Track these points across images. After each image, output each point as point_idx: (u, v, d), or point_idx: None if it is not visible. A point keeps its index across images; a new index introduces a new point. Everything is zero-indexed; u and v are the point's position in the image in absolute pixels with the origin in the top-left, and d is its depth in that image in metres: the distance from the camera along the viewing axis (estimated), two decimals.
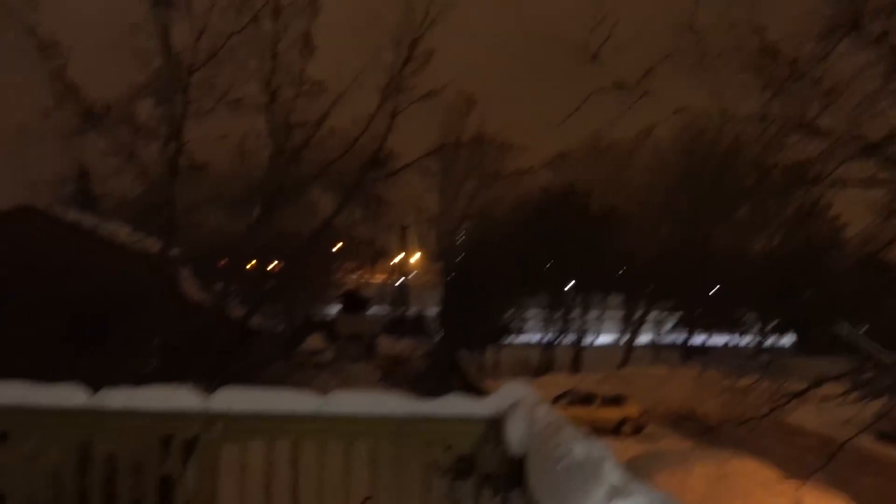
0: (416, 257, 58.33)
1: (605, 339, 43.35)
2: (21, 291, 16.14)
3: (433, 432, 4.06)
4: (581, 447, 2.50)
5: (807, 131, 9.10)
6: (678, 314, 40.96)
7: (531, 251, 32.90)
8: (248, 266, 20.79)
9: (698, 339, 41.38)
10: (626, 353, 36.47)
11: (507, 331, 37.27)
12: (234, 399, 3.99)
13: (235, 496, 3.93)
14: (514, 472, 4.07)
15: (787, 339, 41.88)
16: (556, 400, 21.77)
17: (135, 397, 3.97)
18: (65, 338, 15.88)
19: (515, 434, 3.43)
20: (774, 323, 40.53)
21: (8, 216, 21.30)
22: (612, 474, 2.22)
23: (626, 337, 38.95)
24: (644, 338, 40.02)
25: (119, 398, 3.97)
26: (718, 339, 41.69)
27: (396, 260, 51.78)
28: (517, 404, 3.62)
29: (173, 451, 4.43)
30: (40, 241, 16.84)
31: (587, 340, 38.61)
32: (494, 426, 3.83)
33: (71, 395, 3.99)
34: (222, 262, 20.24)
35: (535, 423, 3.27)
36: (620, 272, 35.34)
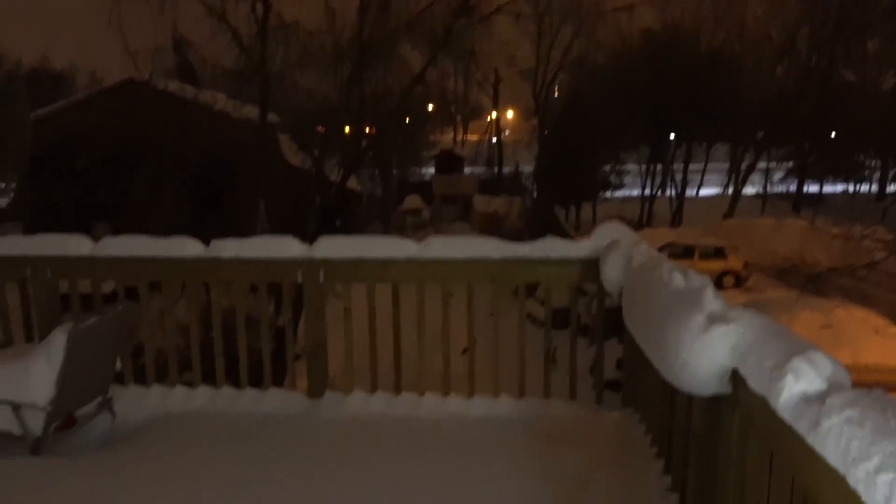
0: (510, 114, 57.08)
1: (709, 191, 41.75)
2: (141, 162, 17.17)
3: (530, 275, 4.09)
4: (679, 278, 2.44)
5: None
6: (789, 163, 38.60)
7: (632, 101, 31.30)
8: (345, 131, 20.98)
9: (811, 189, 39.13)
10: (731, 204, 35.05)
11: (605, 185, 36.50)
12: (335, 247, 4.13)
13: (341, 336, 4.17)
14: (609, 323, 4.09)
15: None
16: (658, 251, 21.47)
17: (243, 247, 4.19)
18: (186, 205, 16.95)
19: (612, 272, 3.39)
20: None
21: (117, 90, 22.28)
22: (713, 302, 2.16)
23: (732, 188, 37.28)
24: (751, 189, 38.21)
25: (229, 248, 4.20)
26: (834, 188, 39.26)
27: (490, 118, 50.86)
28: (614, 244, 3.55)
29: (283, 300, 4.73)
30: (149, 113, 17.59)
31: (690, 193, 37.28)
32: (591, 267, 3.81)
33: (188, 247, 4.26)
34: (319, 128, 20.52)
35: (631, 260, 3.20)
36: (727, 119, 33.13)
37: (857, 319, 12.48)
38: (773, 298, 15.05)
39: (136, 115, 17.70)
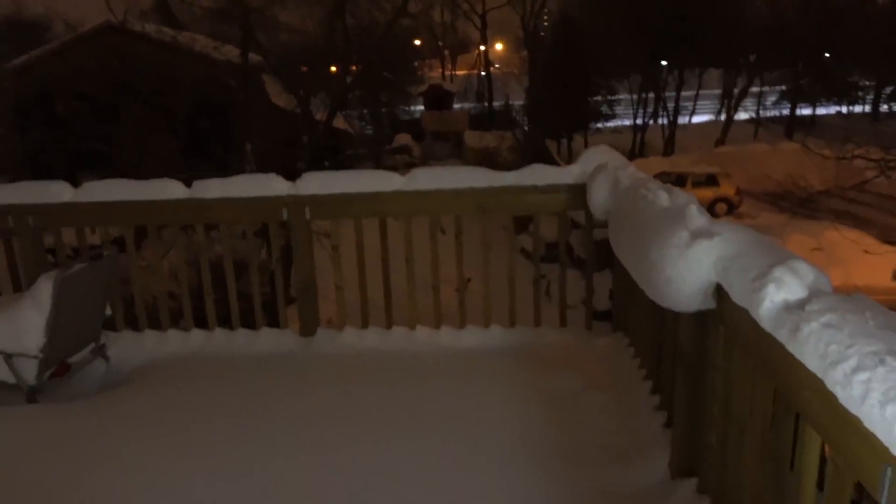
0: (499, 47, 55.85)
1: (701, 118, 41.32)
2: (124, 107, 16.79)
3: (518, 204, 4.05)
4: (664, 197, 2.41)
5: None
6: (783, 86, 38.07)
7: (623, 27, 30.59)
8: (330, 69, 20.49)
9: (805, 112, 38.74)
10: (724, 131, 34.74)
11: (597, 116, 36.07)
12: (319, 183, 4.08)
13: (330, 274, 4.16)
14: (602, 254, 4.07)
15: None
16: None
17: (226, 187, 4.13)
18: (172, 150, 16.68)
19: (599, 196, 3.36)
20: (893, 88, 37.10)
21: (95, 35, 21.63)
22: (697, 218, 2.14)
23: (725, 114, 36.90)
24: (744, 114, 37.81)
25: (213, 189, 4.14)
26: (827, 110, 38.86)
27: (479, 51, 49.81)
28: (600, 168, 3.51)
29: (270, 240, 4.70)
30: (128, 57, 17.13)
31: (683, 120, 36.90)
32: (579, 192, 3.77)
33: (171, 190, 4.20)
34: (304, 69, 20.05)
35: (618, 183, 3.17)
36: (721, 43, 32.43)
37: (847, 241, 12.54)
38: (765, 223, 15.11)
39: (115, 60, 17.25)
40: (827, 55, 35.10)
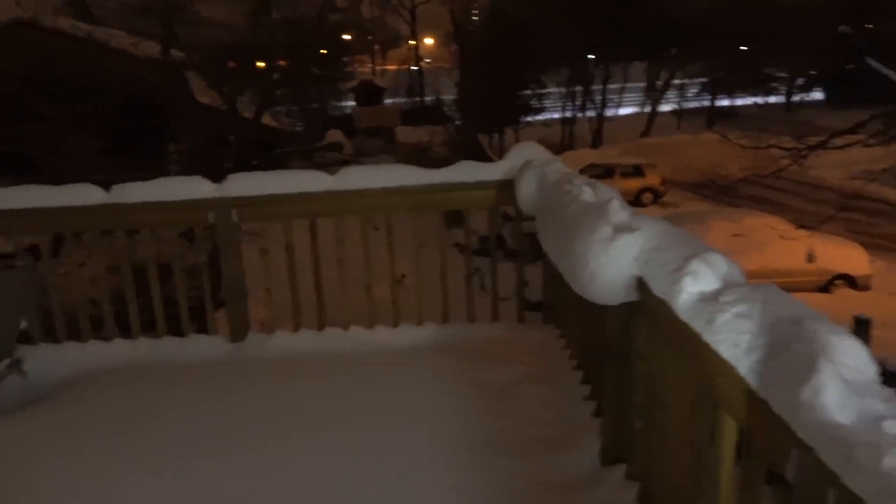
0: (429, 41, 55.85)
1: (627, 110, 42.40)
2: (39, 108, 15.99)
3: (449, 201, 4.08)
4: (588, 192, 2.47)
5: None
6: (703, 79, 39.44)
7: (552, 20, 31.07)
8: (256, 66, 20.06)
9: (725, 103, 40.26)
10: (648, 123, 35.77)
11: (527, 110, 36.56)
12: (246, 184, 3.99)
13: (260, 276, 4.09)
14: (536, 246, 4.14)
15: (819, 95, 40.63)
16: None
17: (148, 191, 3.99)
18: (90, 152, 15.99)
19: (527, 193, 3.41)
20: (804, 79, 38.99)
21: (5, 30, 20.50)
22: (618, 213, 2.20)
23: (649, 106, 38.00)
24: (667, 106, 39.02)
25: (134, 193, 4.00)
26: (746, 101, 40.46)
27: (409, 45, 49.70)
28: (527, 164, 3.56)
29: (196, 243, 4.57)
30: (41, 55, 16.34)
31: (609, 113, 37.81)
32: (508, 188, 3.81)
33: (88, 194, 4.03)
34: (231, 65, 19.56)
35: (545, 179, 3.22)
36: (646, 36, 33.30)
37: (765, 226, 13.15)
38: (688, 212, 15.65)
39: (26, 58, 16.41)
40: (744, 48, 36.52)
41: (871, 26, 14.17)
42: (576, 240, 2.20)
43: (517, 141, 34.62)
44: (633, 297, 2.19)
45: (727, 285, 1.67)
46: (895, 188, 19.42)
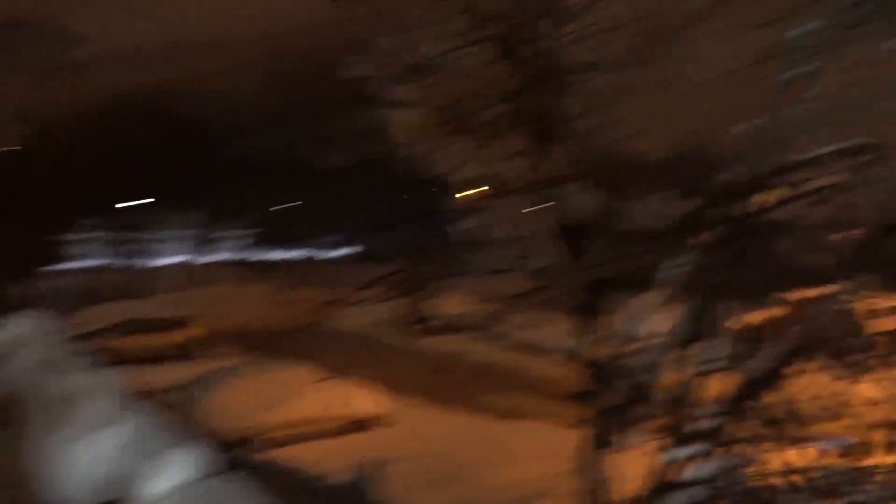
0: None
1: (174, 259, 41.90)
2: None
3: None
4: (83, 379, 2.54)
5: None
6: (252, 231, 41.65)
7: (94, 164, 29.39)
8: None
9: (271, 255, 42.98)
10: (195, 273, 35.84)
11: (60, 256, 33.18)
12: None
13: None
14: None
15: (351, 250, 46.47)
16: (111, 329, 20.48)
17: None
18: None
19: (16, 372, 3.24)
20: (339, 236, 44.34)
21: None
22: (105, 403, 2.33)
23: (196, 257, 38.26)
24: (215, 256, 39.83)
25: None
26: (291, 254, 43.85)
27: None
28: (22, 340, 3.40)
29: None
30: None
31: (155, 262, 36.79)
32: None
33: None
34: None
35: (37, 358, 3.14)
36: (201, 187, 33.91)
37: (297, 377, 14.20)
38: (221, 367, 15.94)
39: None
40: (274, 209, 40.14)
41: None
42: (39, 438, 2.22)
43: (50, 289, 30.90)
44: (114, 494, 2.29)
45: (186, 481, 1.94)
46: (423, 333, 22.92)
